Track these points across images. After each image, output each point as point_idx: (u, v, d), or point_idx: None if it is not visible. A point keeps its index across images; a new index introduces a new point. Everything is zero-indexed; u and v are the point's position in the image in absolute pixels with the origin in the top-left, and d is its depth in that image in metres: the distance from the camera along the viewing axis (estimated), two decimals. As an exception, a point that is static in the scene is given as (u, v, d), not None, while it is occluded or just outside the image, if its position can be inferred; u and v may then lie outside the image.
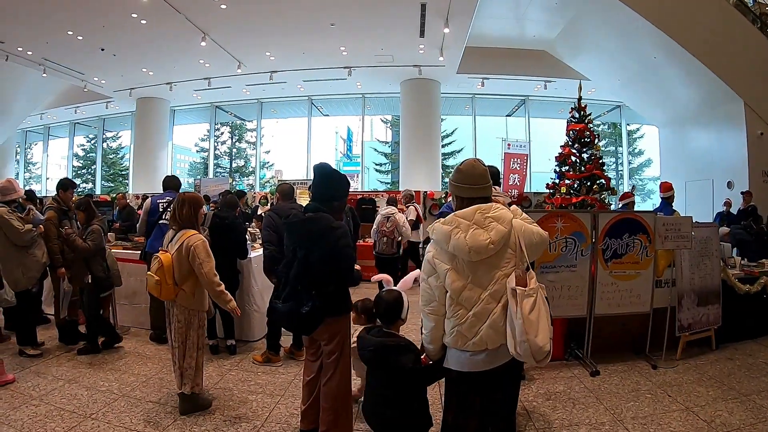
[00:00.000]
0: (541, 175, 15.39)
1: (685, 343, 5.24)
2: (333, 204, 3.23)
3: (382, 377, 2.62)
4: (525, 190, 13.24)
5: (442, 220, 2.38)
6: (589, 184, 8.33)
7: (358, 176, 20.33)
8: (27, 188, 9.28)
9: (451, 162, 22.14)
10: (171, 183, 6.19)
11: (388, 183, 22.23)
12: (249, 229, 7.62)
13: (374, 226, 7.96)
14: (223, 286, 3.84)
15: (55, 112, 20.24)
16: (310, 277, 3.02)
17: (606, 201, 8.36)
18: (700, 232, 5.43)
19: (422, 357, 2.57)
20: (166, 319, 3.91)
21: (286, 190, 5.39)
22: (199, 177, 20.35)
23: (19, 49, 13.05)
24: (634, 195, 7.57)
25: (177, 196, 4.08)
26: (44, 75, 14.69)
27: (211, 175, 20.81)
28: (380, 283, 3.22)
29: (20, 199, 7.74)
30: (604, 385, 4.47)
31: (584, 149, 8.44)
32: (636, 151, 22.45)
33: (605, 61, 13.41)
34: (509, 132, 19.72)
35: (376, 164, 22.86)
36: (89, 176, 23.14)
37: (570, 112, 8.56)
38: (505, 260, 2.29)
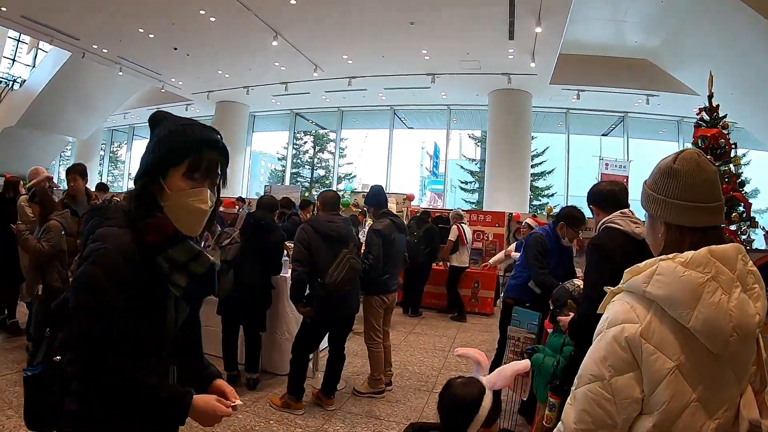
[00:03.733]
0: (636, 203, 13.63)
1: None
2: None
3: None
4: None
5: (680, 257, 1.16)
6: (725, 210, 5.67)
7: (442, 195, 19.56)
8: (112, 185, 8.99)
9: (540, 183, 20.54)
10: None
11: (473, 203, 21.01)
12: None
13: None
14: None
15: (138, 112, 21.04)
16: None
17: (747, 235, 5.88)
18: None
19: None
20: None
21: (328, 199, 4.29)
22: (271, 183, 20.42)
23: (94, 46, 13.28)
24: None
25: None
26: (120, 74, 15.02)
27: (287, 182, 20.70)
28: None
29: (94, 194, 7.10)
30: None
31: (717, 163, 5.84)
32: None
33: (716, 73, 11.56)
34: (604, 154, 18.03)
35: (462, 182, 21.70)
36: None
37: (698, 113, 6.12)
38: (745, 361, 1.17)
